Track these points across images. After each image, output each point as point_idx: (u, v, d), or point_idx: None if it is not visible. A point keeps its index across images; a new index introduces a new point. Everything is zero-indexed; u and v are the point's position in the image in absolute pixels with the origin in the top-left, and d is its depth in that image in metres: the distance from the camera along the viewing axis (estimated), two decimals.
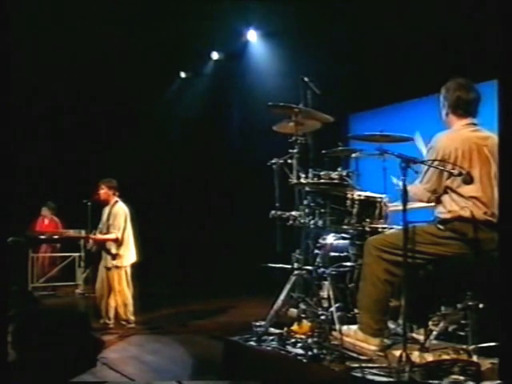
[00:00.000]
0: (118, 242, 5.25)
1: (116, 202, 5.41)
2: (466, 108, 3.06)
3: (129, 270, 5.32)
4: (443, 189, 2.98)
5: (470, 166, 2.92)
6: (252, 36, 8.53)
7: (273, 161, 3.92)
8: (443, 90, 3.14)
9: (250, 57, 8.64)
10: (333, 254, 3.79)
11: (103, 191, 5.42)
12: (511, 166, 2.17)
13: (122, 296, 5.21)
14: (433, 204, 3.11)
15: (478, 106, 3.09)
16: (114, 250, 5.25)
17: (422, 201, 3.10)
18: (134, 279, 5.36)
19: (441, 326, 2.89)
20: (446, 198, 2.97)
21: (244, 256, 7.74)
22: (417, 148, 3.46)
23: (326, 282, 3.58)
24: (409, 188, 2.80)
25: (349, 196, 3.57)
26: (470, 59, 5.22)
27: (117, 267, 5.23)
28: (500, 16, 2.19)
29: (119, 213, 5.32)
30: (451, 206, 2.93)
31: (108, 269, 5.25)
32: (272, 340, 3.37)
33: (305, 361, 2.95)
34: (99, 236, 5.31)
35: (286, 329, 3.43)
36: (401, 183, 2.74)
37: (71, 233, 8.34)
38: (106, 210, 5.42)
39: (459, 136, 3.01)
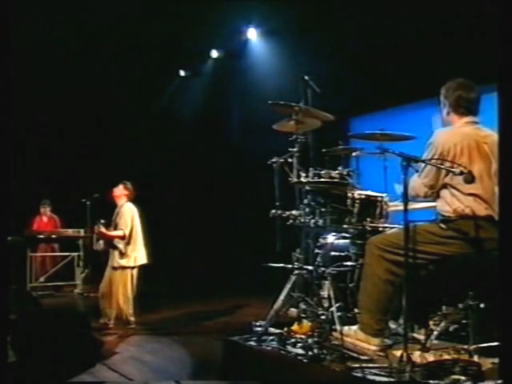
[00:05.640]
0: (126, 240, 5.23)
1: (125, 202, 5.42)
2: (467, 106, 3.05)
3: (135, 273, 5.26)
4: (441, 185, 2.97)
5: (470, 162, 2.90)
6: (252, 34, 8.52)
7: (273, 160, 3.91)
8: (443, 90, 3.14)
9: (249, 55, 8.63)
10: (333, 253, 3.77)
11: (119, 189, 5.43)
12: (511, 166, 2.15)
13: (124, 297, 5.17)
14: (433, 204, 3.09)
15: (478, 104, 3.09)
16: (122, 248, 5.21)
17: (418, 195, 3.06)
18: (139, 281, 5.32)
19: (442, 325, 2.87)
20: (446, 194, 2.96)
21: (244, 256, 7.72)
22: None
23: (327, 282, 3.56)
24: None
25: (349, 195, 3.55)
26: (471, 62, 5.20)
27: (123, 268, 5.19)
28: (500, 18, 2.17)
29: (126, 211, 5.32)
30: (454, 204, 2.91)
31: (114, 268, 5.22)
32: (272, 340, 3.35)
33: (305, 361, 2.93)
34: (105, 231, 5.26)
35: (286, 329, 3.41)
36: (401, 183, 2.72)
37: (70, 232, 8.33)
38: (116, 211, 5.43)
39: (459, 132, 3.01)
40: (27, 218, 8.70)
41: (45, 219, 8.89)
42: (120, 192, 5.44)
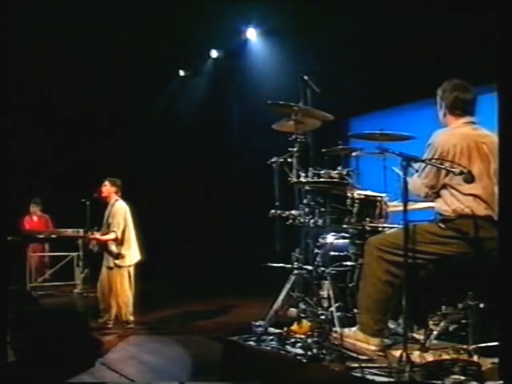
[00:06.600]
0: (119, 241, 5.21)
1: (116, 200, 5.38)
2: (463, 108, 3.05)
3: (132, 270, 5.25)
4: (441, 185, 2.97)
5: (470, 162, 2.90)
6: (251, 34, 8.52)
7: (273, 159, 3.91)
8: (440, 91, 3.14)
9: (249, 55, 8.63)
10: (333, 253, 3.78)
11: (106, 188, 5.38)
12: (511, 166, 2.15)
13: (122, 297, 5.16)
14: (432, 204, 3.09)
15: (475, 105, 3.10)
16: (115, 250, 5.20)
17: (419, 195, 3.07)
18: (136, 279, 5.32)
19: (441, 325, 2.88)
20: (445, 194, 2.96)
21: (244, 256, 7.72)
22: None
23: (326, 282, 3.56)
24: (408, 181, 2.78)
25: (349, 195, 3.56)
26: (471, 62, 5.19)
27: (119, 267, 5.18)
28: (500, 18, 2.18)
29: (118, 211, 5.27)
30: (453, 204, 2.91)
31: (110, 268, 5.20)
32: (272, 340, 3.35)
33: (304, 361, 2.94)
34: (99, 236, 5.25)
35: (285, 329, 3.41)
36: (402, 179, 2.72)
37: (69, 232, 8.30)
38: (107, 210, 5.40)
39: (458, 133, 3.01)
40: (15, 218, 8.54)
41: (35, 219, 8.78)
42: (108, 190, 5.38)
